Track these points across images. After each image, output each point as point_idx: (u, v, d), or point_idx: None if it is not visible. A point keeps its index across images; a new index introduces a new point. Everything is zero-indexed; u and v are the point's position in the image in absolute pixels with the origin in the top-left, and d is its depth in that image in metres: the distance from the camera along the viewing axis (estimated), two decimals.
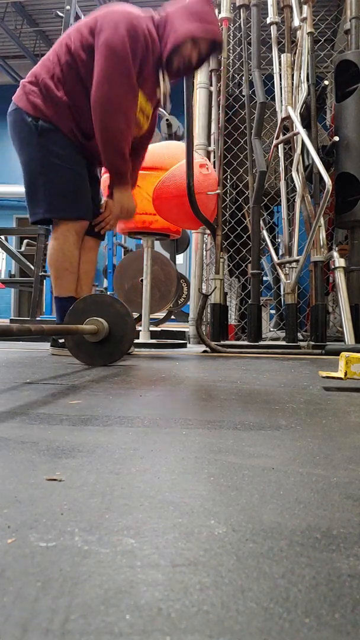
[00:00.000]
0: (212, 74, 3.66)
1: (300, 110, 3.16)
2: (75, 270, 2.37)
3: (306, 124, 3.27)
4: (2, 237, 5.66)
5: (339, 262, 3.00)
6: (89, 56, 2.15)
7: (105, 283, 6.71)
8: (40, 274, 5.20)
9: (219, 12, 3.57)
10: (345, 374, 1.36)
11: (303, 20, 3.20)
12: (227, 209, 3.78)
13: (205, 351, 2.80)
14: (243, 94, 3.45)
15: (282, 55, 3.26)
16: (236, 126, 3.67)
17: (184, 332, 3.92)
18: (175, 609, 0.31)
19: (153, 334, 3.33)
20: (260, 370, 1.84)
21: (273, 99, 3.32)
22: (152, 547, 0.40)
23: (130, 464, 0.63)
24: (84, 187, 2.35)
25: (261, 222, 3.24)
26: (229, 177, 3.79)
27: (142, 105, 2.30)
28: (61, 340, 2.39)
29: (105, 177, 2.71)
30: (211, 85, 3.69)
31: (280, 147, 3.32)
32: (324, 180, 2.75)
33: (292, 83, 3.19)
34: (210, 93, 3.70)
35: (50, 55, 2.28)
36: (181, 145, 2.98)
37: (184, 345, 3.26)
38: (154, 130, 2.57)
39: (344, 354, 1.38)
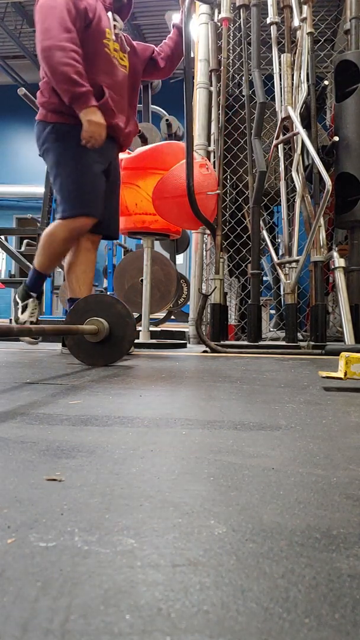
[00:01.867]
0: (212, 74, 3.66)
1: (300, 110, 3.15)
2: (54, 261, 2.53)
3: (306, 124, 3.27)
4: (2, 237, 5.66)
5: (339, 262, 3.00)
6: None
7: (105, 283, 6.71)
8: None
9: (219, 12, 3.57)
10: (345, 374, 1.36)
11: (303, 20, 3.20)
12: (227, 209, 3.78)
13: (205, 351, 2.80)
14: (243, 94, 3.44)
15: (282, 55, 3.26)
16: (236, 126, 3.66)
17: (184, 332, 3.91)
18: (175, 609, 0.31)
19: (153, 334, 3.33)
20: (260, 370, 1.84)
21: (273, 99, 3.32)
22: (152, 547, 0.40)
23: (130, 464, 0.63)
24: (95, 184, 2.44)
25: (261, 222, 3.24)
26: (229, 177, 3.79)
27: (114, 46, 2.49)
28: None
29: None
30: (211, 85, 3.69)
31: (280, 147, 3.32)
32: (324, 180, 2.75)
33: (292, 83, 3.19)
34: (210, 93, 3.70)
35: None
36: (181, 145, 2.98)
37: (183, 346, 3.25)
38: (140, 68, 2.67)
39: (344, 354, 1.38)
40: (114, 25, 2.49)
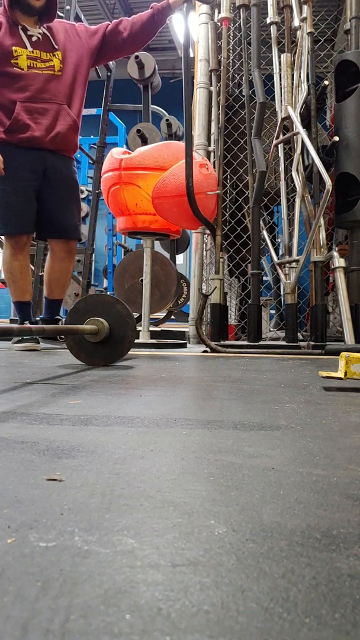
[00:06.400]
0: (212, 74, 3.65)
1: (300, 110, 3.15)
2: (17, 278, 2.79)
3: (306, 124, 3.27)
4: (2, 237, 5.65)
5: (339, 262, 3.00)
6: None
7: (105, 283, 6.71)
8: (39, 274, 5.18)
9: (219, 12, 3.57)
10: (345, 374, 1.36)
11: (303, 20, 3.20)
12: (227, 209, 3.78)
13: (205, 351, 2.80)
14: (243, 94, 3.44)
15: (282, 55, 3.26)
16: (236, 126, 3.66)
17: (184, 332, 3.91)
18: (175, 609, 0.31)
19: (153, 334, 3.33)
20: (260, 370, 1.84)
21: (273, 99, 3.32)
22: (152, 547, 0.40)
23: (130, 464, 0.63)
24: (12, 202, 2.71)
25: (261, 222, 3.24)
26: (229, 177, 3.79)
27: (30, 56, 2.69)
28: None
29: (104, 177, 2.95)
30: (211, 85, 3.69)
31: (280, 147, 3.32)
32: (324, 180, 2.75)
33: (292, 83, 3.19)
34: (210, 93, 3.70)
35: None
36: (181, 145, 2.98)
37: (184, 346, 3.25)
38: (86, 56, 2.82)
39: (344, 354, 1.38)
40: (30, 36, 2.69)
